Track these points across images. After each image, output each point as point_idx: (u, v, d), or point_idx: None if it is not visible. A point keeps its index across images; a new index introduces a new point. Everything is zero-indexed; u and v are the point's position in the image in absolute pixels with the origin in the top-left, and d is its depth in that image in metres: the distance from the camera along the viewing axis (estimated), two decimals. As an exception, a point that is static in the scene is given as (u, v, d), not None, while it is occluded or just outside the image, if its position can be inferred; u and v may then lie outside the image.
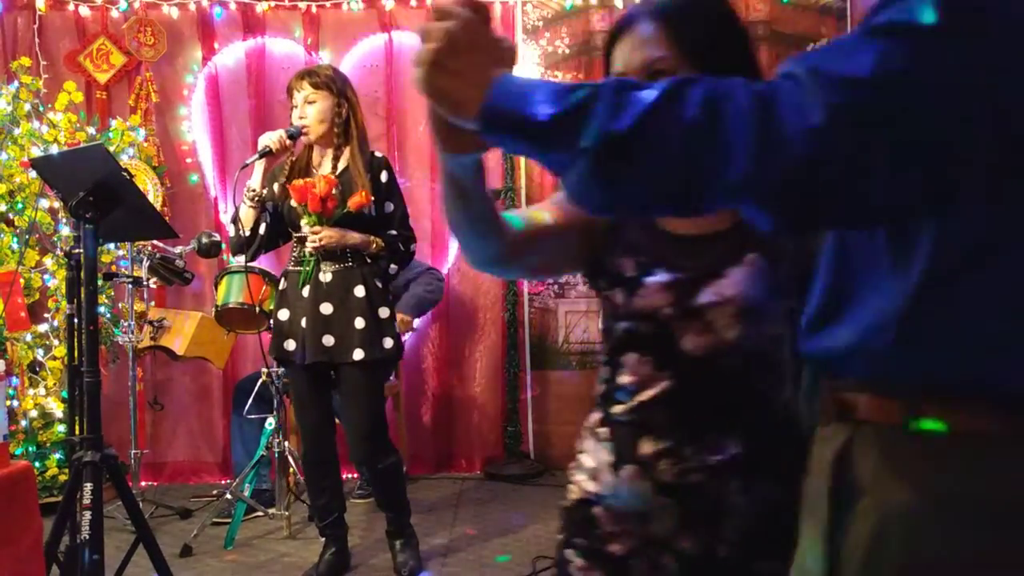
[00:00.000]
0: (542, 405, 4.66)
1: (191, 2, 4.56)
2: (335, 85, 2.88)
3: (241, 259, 3.01)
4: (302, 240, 2.89)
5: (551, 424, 4.65)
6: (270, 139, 2.83)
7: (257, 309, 3.49)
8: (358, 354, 2.84)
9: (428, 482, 4.37)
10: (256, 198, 2.87)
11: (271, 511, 3.49)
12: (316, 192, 2.76)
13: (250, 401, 3.73)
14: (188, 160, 4.61)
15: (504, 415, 4.59)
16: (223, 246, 3.86)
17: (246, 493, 3.49)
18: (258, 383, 3.57)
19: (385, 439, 3.00)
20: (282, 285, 2.98)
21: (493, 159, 4.60)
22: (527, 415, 4.62)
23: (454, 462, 4.62)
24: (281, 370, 3.43)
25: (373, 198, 2.85)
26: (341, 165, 2.88)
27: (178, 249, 3.71)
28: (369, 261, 2.90)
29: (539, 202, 4.80)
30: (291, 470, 3.68)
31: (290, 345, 2.90)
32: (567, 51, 4.65)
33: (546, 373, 4.66)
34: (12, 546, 2.18)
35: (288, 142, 2.85)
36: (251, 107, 4.60)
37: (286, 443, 3.48)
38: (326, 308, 2.85)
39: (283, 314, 2.93)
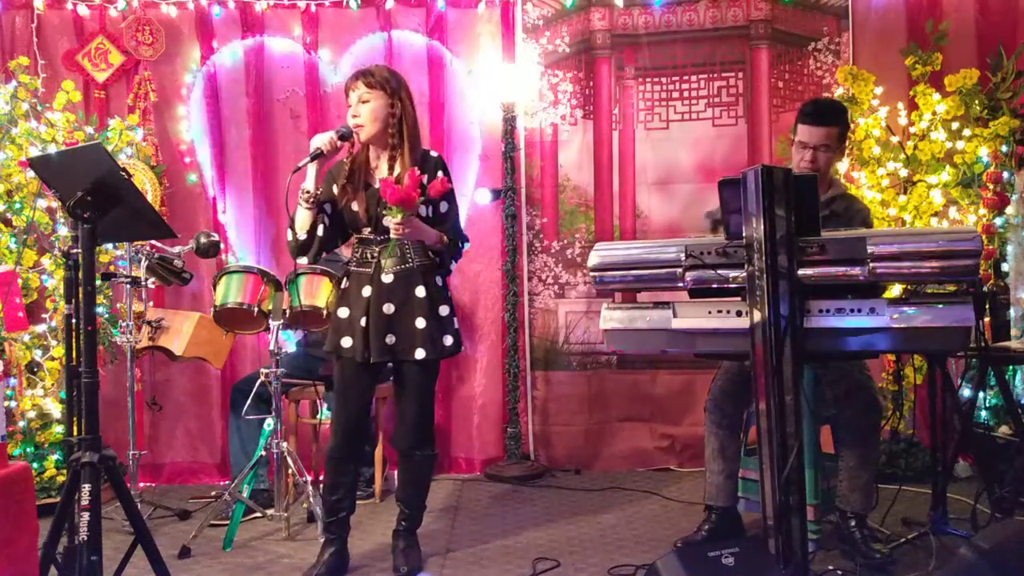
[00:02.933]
0: (542, 406, 4.64)
1: (190, 1, 4.55)
2: (390, 85, 2.88)
3: (303, 261, 3.02)
4: (365, 241, 2.95)
5: (551, 425, 4.63)
6: (321, 141, 2.86)
7: (255, 310, 3.48)
8: (420, 353, 2.90)
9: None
10: (312, 199, 2.89)
11: (269, 512, 3.48)
12: (400, 187, 2.75)
13: (248, 402, 3.72)
14: (187, 160, 4.59)
15: (504, 416, 4.58)
16: (221, 246, 3.83)
17: (244, 494, 3.48)
18: (256, 383, 3.56)
19: (431, 431, 3.09)
20: (344, 284, 3.02)
21: (494, 159, 4.60)
22: (527, 416, 4.61)
23: (454, 463, 4.61)
24: (280, 371, 3.43)
25: (447, 188, 2.88)
26: (398, 167, 2.89)
27: (176, 249, 3.70)
28: (431, 260, 2.94)
29: (538, 202, 4.77)
30: (290, 471, 3.67)
31: (347, 342, 2.93)
32: (567, 50, 4.64)
33: (546, 374, 4.64)
34: (9, 547, 2.17)
35: (339, 143, 2.87)
36: (250, 106, 4.59)
37: (284, 444, 3.47)
38: (388, 308, 2.90)
39: (343, 312, 2.97)
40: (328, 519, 3.02)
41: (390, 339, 2.90)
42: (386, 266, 2.90)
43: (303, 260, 2.99)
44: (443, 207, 2.96)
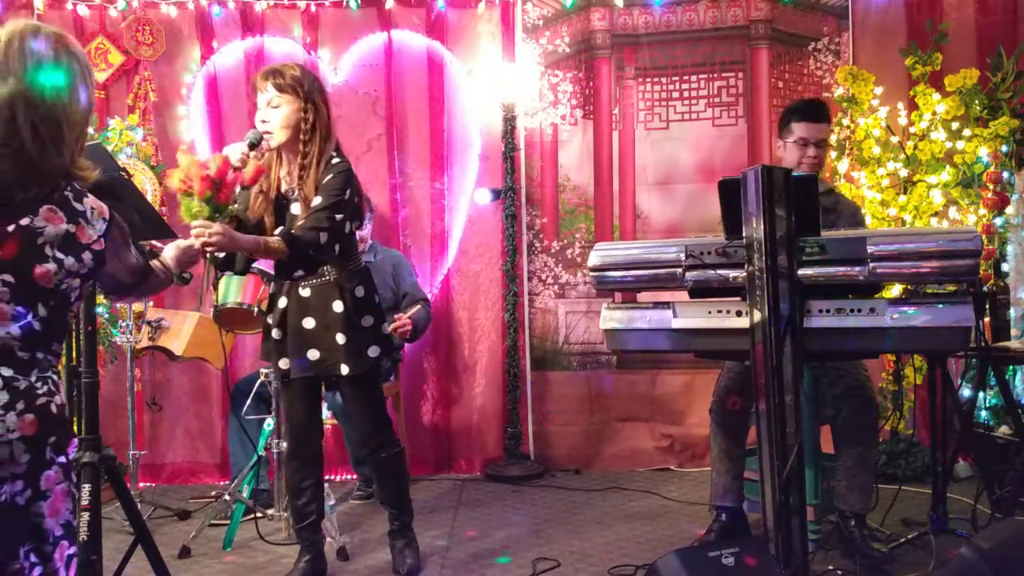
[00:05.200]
0: (542, 406, 4.64)
1: (190, 1, 4.54)
2: (302, 88, 2.68)
3: (228, 275, 2.90)
4: None
5: (551, 425, 4.63)
6: (233, 155, 2.58)
7: (256, 309, 3.48)
8: (344, 369, 2.78)
9: (428, 482, 4.36)
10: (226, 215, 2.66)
11: (269, 512, 3.47)
12: (208, 172, 2.30)
13: (248, 401, 3.72)
14: (187, 160, 4.59)
15: (504, 416, 4.58)
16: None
17: (244, 494, 3.48)
18: (256, 383, 3.56)
19: (387, 434, 2.98)
20: (272, 289, 2.94)
21: (493, 159, 4.59)
22: (527, 416, 4.61)
23: (454, 463, 4.61)
24: (280, 370, 3.42)
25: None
26: (310, 177, 2.71)
27: (177, 249, 3.69)
28: (347, 270, 2.80)
29: (538, 202, 4.73)
30: (290, 471, 3.67)
31: (274, 352, 2.87)
32: (567, 50, 4.64)
33: (546, 374, 4.64)
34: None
35: (250, 153, 2.64)
36: (250, 107, 4.53)
37: (285, 444, 3.46)
38: (308, 323, 2.79)
39: (270, 318, 2.91)
40: (297, 525, 2.95)
41: (313, 354, 2.78)
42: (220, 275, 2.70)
43: (230, 272, 2.83)
44: (315, 201, 2.66)
